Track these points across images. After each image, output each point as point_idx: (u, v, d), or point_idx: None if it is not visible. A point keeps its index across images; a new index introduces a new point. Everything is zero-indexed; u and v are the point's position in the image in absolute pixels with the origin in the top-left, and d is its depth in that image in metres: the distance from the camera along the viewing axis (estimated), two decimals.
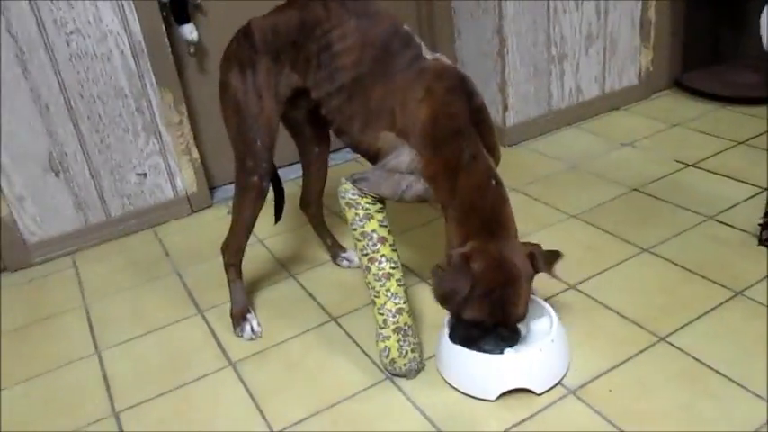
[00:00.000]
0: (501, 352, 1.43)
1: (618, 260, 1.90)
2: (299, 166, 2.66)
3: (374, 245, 1.47)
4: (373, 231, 1.47)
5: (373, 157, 1.50)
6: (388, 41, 1.45)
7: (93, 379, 1.69)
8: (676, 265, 1.85)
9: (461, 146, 1.39)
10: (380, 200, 1.48)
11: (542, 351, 1.44)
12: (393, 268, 1.48)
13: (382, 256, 1.47)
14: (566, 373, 1.50)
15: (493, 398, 1.44)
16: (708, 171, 2.37)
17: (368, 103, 1.45)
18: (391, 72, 1.43)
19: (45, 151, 2.22)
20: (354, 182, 1.47)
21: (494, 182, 1.41)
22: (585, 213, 2.18)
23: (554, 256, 1.42)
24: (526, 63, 2.69)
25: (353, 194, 1.47)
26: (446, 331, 1.50)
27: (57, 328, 1.92)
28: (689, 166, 2.42)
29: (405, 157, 1.41)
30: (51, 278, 2.21)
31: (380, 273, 1.47)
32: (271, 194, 1.96)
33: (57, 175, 2.26)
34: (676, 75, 3.17)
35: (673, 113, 2.91)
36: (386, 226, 1.49)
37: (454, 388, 1.49)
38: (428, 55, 1.46)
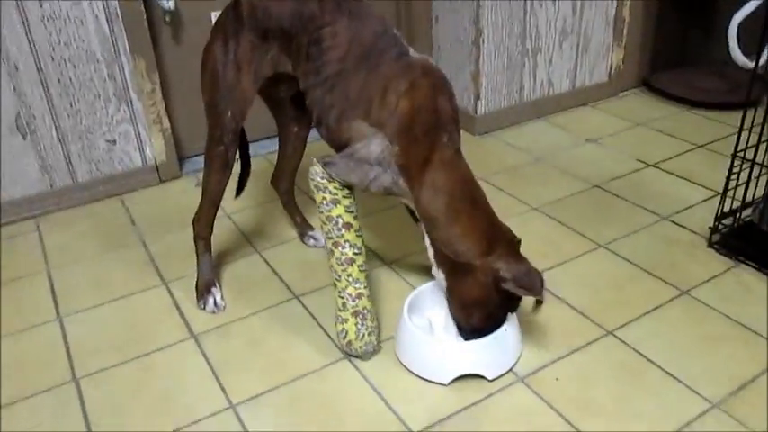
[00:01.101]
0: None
1: (574, 254, 1.98)
2: (271, 141, 2.69)
3: (339, 230, 1.51)
4: (339, 216, 1.50)
5: (343, 147, 1.52)
6: (375, 40, 1.47)
7: (54, 345, 1.71)
8: (629, 262, 1.93)
9: (441, 141, 1.43)
10: (349, 186, 1.51)
11: (496, 339, 1.50)
12: (356, 254, 1.52)
13: (346, 241, 1.51)
14: (517, 360, 1.56)
15: (446, 382, 1.50)
16: (667, 172, 2.45)
17: (347, 94, 1.47)
18: (375, 66, 1.45)
19: (12, 112, 2.19)
20: (324, 165, 1.50)
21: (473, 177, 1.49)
22: (547, 206, 2.24)
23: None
24: (501, 54, 2.73)
25: (322, 178, 1.49)
26: (405, 316, 1.55)
27: (18, 292, 1.93)
28: (649, 165, 2.50)
29: (375, 146, 1.44)
30: (14, 241, 2.20)
31: (343, 258, 1.51)
32: (237, 168, 1.98)
33: (23, 137, 2.24)
34: (645, 75, 3.25)
35: (638, 113, 2.99)
36: (352, 212, 1.53)
37: (411, 372, 1.54)
38: (415, 54, 1.49)
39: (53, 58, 2.19)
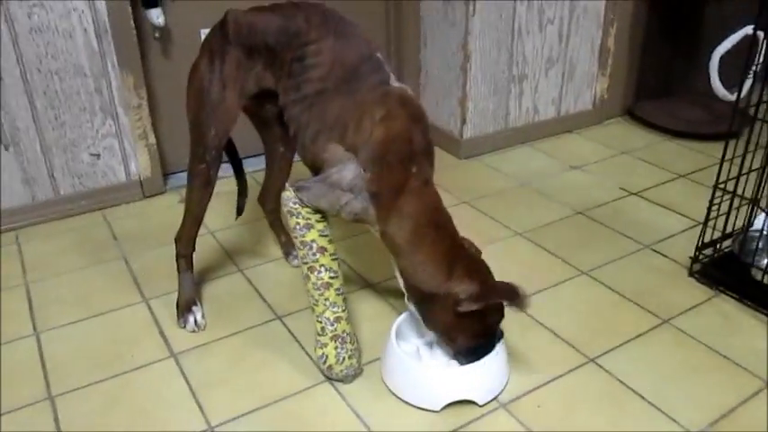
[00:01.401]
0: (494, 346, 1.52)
1: (557, 281, 1.98)
2: (257, 159, 2.68)
3: (314, 254, 1.50)
4: (313, 241, 1.49)
5: (317, 168, 1.52)
6: (358, 64, 1.48)
7: (30, 361, 1.68)
8: (611, 289, 1.94)
9: (412, 171, 1.44)
10: (318, 210, 1.50)
11: (487, 364, 1.49)
12: (332, 278, 1.52)
13: (321, 265, 1.50)
14: (505, 385, 1.56)
15: (438, 408, 1.48)
16: (649, 201, 2.48)
17: (325, 115, 1.47)
18: (354, 91, 1.46)
19: None
20: (297, 190, 1.48)
21: (443, 206, 1.49)
22: (531, 232, 2.26)
23: None
24: (487, 80, 2.76)
25: (294, 203, 1.48)
26: (393, 342, 1.54)
27: None
28: (632, 194, 2.53)
29: (348, 172, 1.43)
30: None
31: (319, 282, 1.51)
32: (233, 187, 1.98)
33: (6, 148, 2.21)
34: (629, 103, 3.30)
35: (622, 141, 3.03)
36: (326, 236, 1.51)
37: (397, 397, 1.53)
38: (395, 83, 1.50)
39: (40, 71, 2.17)
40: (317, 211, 1.49)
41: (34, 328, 1.80)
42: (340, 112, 1.46)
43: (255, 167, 2.64)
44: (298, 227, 1.49)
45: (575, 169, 2.75)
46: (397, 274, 1.51)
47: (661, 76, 3.33)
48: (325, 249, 1.51)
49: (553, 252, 2.13)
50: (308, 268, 1.51)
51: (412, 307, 1.51)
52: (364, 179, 1.42)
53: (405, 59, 2.89)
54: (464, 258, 1.46)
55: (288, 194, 1.49)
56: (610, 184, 2.60)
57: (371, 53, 1.51)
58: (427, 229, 1.44)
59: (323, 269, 1.50)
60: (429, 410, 1.49)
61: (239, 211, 2.01)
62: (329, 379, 1.59)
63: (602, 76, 3.11)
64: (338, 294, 1.53)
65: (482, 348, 1.50)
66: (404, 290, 1.51)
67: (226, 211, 2.01)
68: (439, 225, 1.47)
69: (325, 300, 1.52)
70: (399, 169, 1.43)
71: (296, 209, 1.48)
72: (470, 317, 1.42)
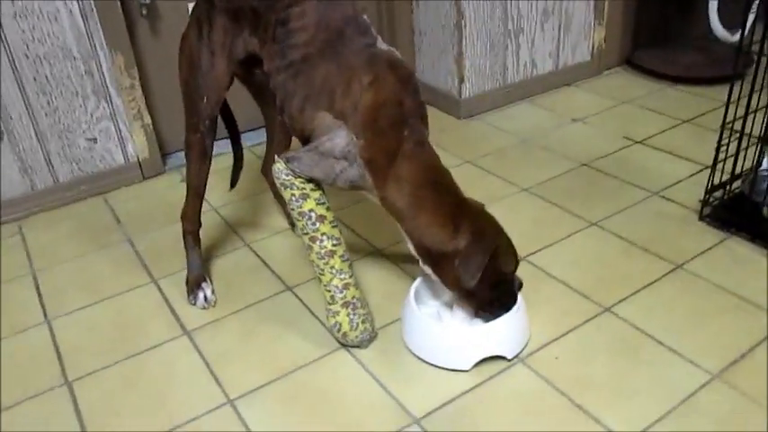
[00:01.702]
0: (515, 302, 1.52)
1: (566, 233, 1.97)
2: (256, 133, 2.65)
3: (313, 224, 1.47)
4: (311, 211, 1.47)
5: (306, 138, 1.48)
6: (343, 26, 1.43)
7: (44, 348, 1.67)
8: (621, 238, 1.93)
9: (404, 134, 1.41)
10: (312, 180, 1.47)
11: (513, 317, 1.49)
12: (335, 245, 1.49)
13: (323, 234, 1.48)
14: (529, 337, 1.55)
15: (468, 368, 1.48)
16: (654, 148, 2.45)
17: (311, 82, 1.44)
18: (340, 54, 1.42)
19: None
20: (288, 161, 1.45)
21: (438, 163, 1.47)
22: (536, 187, 2.23)
23: None
24: (483, 36, 2.71)
25: (287, 175, 1.45)
26: (414, 306, 1.53)
27: (4, 297, 1.88)
28: (636, 142, 2.50)
29: (339, 140, 1.40)
30: None
31: (323, 251, 1.48)
32: (229, 160, 1.95)
33: (0, 138, 2.18)
34: (627, 52, 3.25)
35: (623, 90, 2.99)
36: (324, 203, 1.49)
37: (420, 359, 1.52)
38: (382, 46, 1.46)
39: (27, 56, 2.13)
40: (310, 180, 1.46)
41: (45, 316, 1.79)
42: (326, 77, 1.42)
43: (255, 141, 2.62)
44: (293, 198, 1.47)
45: (576, 122, 2.72)
46: (406, 239, 1.49)
47: (658, 22, 3.27)
48: (324, 217, 1.48)
49: (560, 205, 2.11)
50: (310, 239, 1.49)
51: (427, 269, 1.49)
52: (357, 146, 1.40)
53: (397, 20, 2.84)
54: (469, 214, 1.44)
55: (279, 166, 1.46)
56: (613, 135, 2.57)
57: (356, 15, 1.46)
58: (426, 190, 1.42)
59: (324, 237, 1.48)
60: (458, 370, 1.48)
61: (233, 183, 1.98)
62: (345, 346, 1.58)
63: (599, 26, 3.05)
64: (343, 261, 1.51)
65: (503, 299, 1.49)
66: (414, 254, 1.49)
67: (227, 186, 1.99)
68: (438, 184, 1.45)
69: (331, 268, 1.50)
70: (391, 134, 1.40)
71: (289, 180, 1.45)
72: (484, 270, 1.41)
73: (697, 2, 3.03)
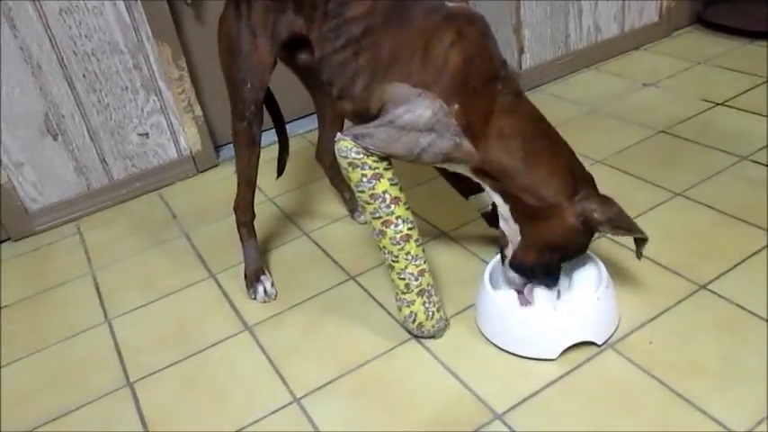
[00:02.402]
0: (556, 284, 1.42)
1: (649, 206, 1.80)
2: (307, 120, 2.57)
3: (388, 206, 1.33)
4: (385, 192, 1.33)
5: (372, 116, 1.35)
6: None
7: (105, 349, 1.62)
8: (711, 208, 1.75)
9: (499, 89, 1.29)
10: (387, 157, 1.34)
11: (600, 300, 1.35)
12: (410, 229, 1.36)
13: (398, 217, 1.34)
14: (619, 321, 1.42)
15: (555, 356, 1.35)
16: (737, 109, 2.24)
17: (377, 56, 1.31)
18: (409, 20, 1.30)
19: (41, 114, 2.11)
20: (357, 138, 1.30)
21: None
22: (611, 158, 2.07)
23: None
24: (542, 2, 2.54)
25: (358, 153, 1.30)
26: (491, 292, 1.41)
27: (64, 298, 1.85)
28: (717, 104, 2.30)
29: (422, 110, 1.26)
30: (56, 246, 2.13)
31: (398, 236, 1.35)
32: (274, 149, 1.86)
33: (54, 138, 2.16)
34: (698, 10, 3.01)
35: (696, 51, 2.77)
36: (396, 184, 1.35)
37: (500, 349, 1.40)
38: (451, 2, 1.33)
39: (75, 53, 2.10)
40: (384, 158, 1.33)
41: (105, 316, 1.74)
42: (396, 47, 1.29)
43: (307, 128, 2.53)
44: (365, 179, 1.32)
45: (648, 87, 2.52)
46: (500, 200, 1.36)
47: None
48: (399, 199, 1.35)
49: (640, 176, 1.94)
50: (383, 222, 1.35)
51: (514, 227, 1.36)
52: (450, 113, 1.26)
53: None
54: (588, 179, 1.33)
55: (346, 144, 1.30)
56: (690, 98, 2.37)
57: None
58: (540, 141, 1.31)
59: (400, 221, 1.35)
60: (542, 359, 1.36)
61: (280, 171, 1.89)
62: (415, 336, 1.47)
63: None
64: (418, 246, 1.39)
65: (556, 268, 1.39)
66: (507, 215, 1.37)
67: (283, 174, 1.90)
68: (551, 137, 1.33)
69: (406, 254, 1.37)
70: (486, 92, 1.28)
71: (360, 159, 1.30)
72: (581, 236, 1.32)
73: None
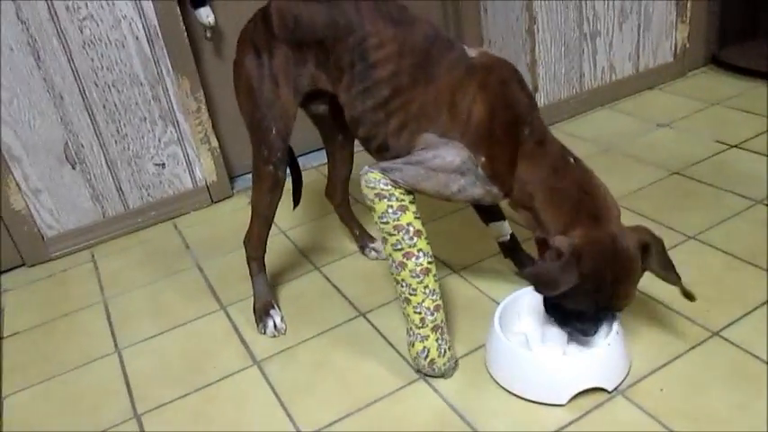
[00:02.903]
0: (595, 332, 1.36)
1: None
2: (320, 153, 2.58)
3: (411, 239, 1.35)
4: (409, 224, 1.35)
5: (399, 156, 1.40)
6: (428, 47, 1.35)
7: (114, 379, 1.63)
8: (725, 252, 1.74)
9: (522, 135, 1.32)
10: (415, 191, 1.38)
11: (610, 345, 1.34)
12: (430, 263, 1.38)
13: (419, 250, 1.36)
14: (630, 367, 1.40)
15: (564, 402, 1.33)
16: (752, 152, 2.24)
17: (408, 115, 1.36)
18: (434, 77, 1.34)
19: (60, 143, 2.15)
20: (385, 171, 1.35)
21: (572, 159, 1.35)
22: (624, 198, 2.06)
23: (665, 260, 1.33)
24: (557, 41, 2.57)
25: (386, 185, 1.34)
26: (500, 334, 1.39)
27: (76, 325, 1.86)
28: (731, 146, 2.29)
29: (453, 157, 1.31)
30: (70, 273, 2.15)
31: (418, 269, 1.36)
32: (288, 180, 1.88)
33: (73, 166, 2.20)
34: (713, 50, 3.03)
35: (711, 91, 2.77)
36: (419, 218, 1.38)
37: (509, 392, 1.39)
38: (472, 53, 1.36)
39: (97, 84, 2.14)
40: (409, 191, 1.37)
41: (116, 345, 1.75)
42: (424, 104, 1.34)
43: (322, 161, 2.55)
44: (390, 210, 1.35)
45: (662, 127, 2.52)
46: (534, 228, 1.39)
47: (746, 15, 3.04)
48: (421, 232, 1.37)
49: (652, 218, 1.94)
50: (404, 254, 1.36)
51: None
52: (478, 164, 1.31)
53: (464, 30, 2.72)
54: (588, 212, 1.29)
55: (375, 176, 1.34)
56: (704, 139, 2.37)
57: (436, 32, 1.38)
58: (548, 191, 1.33)
59: (421, 254, 1.36)
60: (551, 405, 1.34)
61: (296, 201, 1.90)
62: (424, 376, 1.47)
63: (682, 24, 2.85)
64: (436, 280, 1.40)
65: (572, 319, 1.36)
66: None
67: (292, 208, 1.92)
68: (557, 188, 1.33)
69: (425, 287, 1.38)
70: (509, 141, 1.31)
71: (388, 190, 1.34)
72: (568, 273, 1.25)
73: None
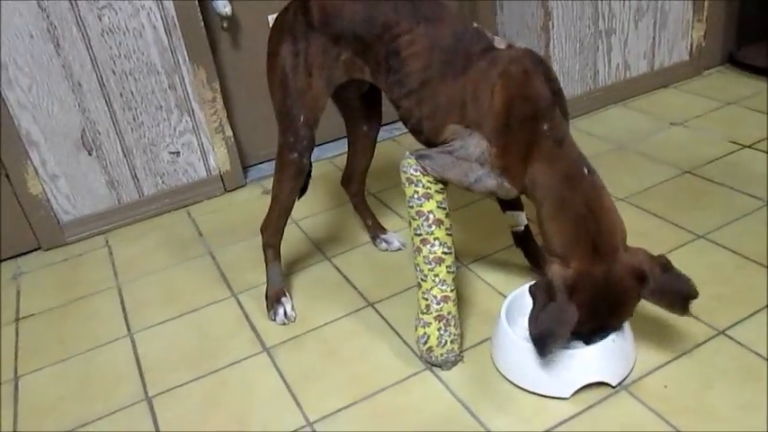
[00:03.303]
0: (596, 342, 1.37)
1: (671, 247, 1.80)
2: (335, 144, 2.61)
3: (429, 226, 1.40)
4: (430, 212, 1.40)
5: (435, 146, 1.44)
6: (455, 42, 1.38)
7: (126, 362, 1.66)
8: (734, 252, 1.74)
9: (540, 131, 1.30)
10: (443, 181, 1.42)
11: (615, 341, 1.35)
12: (445, 253, 1.41)
13: (436, 239, 1.40)
14: (635, 363, 1.41)
15: (568, 395, 1.35)
16: (765, 152, 2.23)
17: (437, 102, 1.39)
18: (461, 70, 1.36)
19: (78, 129, 2.18)
20: (419, 158, 1.41)
21: (586, 170, 1.31)
22: (635, 196, 2.07)
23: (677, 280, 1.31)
24: (572, 38, 2.57)
25: (416, 170, 1.41)
26: (507, 328, 1.41)
27: (90, 309, 1.90)
28: (745, 147, 2.29)
29: (473, 147, 1.34)
30: (84, 258, 2.19)
31: (431, 256, 1.41)
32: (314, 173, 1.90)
33: (89, 153, 2.23)
34: (730, 50, 3.01)
35: (726, 91, 2.76)
36: (444, 208, 1.43)
37: (514, 384, 1.40)
38: (501, 45, 1.38)
39: (114, 72, 2.17)
40: (438, 181, 1.41)
41: (128, 329, 1.79)
42: (451, 95, 1.38)
43: (335, 152, 2.57)
44: (416, 195, 1.41)
45: (676, 126, 2.52)
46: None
47: (763, 15, 3.01)
48: (442, 222, 1.42)
49: (663, 216, 1.94)
50: (421, 240, 1.41)
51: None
52: (492, 154, 1.33)
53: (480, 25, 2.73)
54: (586, 243, 1.27)
55: (409, 162, 1.42)
56: (718, 139, 2.36)
57: (465, 27, 1.41)
58: (556, 200, 1.31)
59: (437, 243, 1.40)
60: (556, 398, 1.36)
61: (303, 191, 1.92)
62: (430, 365, 1.49)
63: (698, 22, 2.84)
64: (449, 272, 1.43)
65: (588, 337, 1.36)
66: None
67: (308, 198, 1.94)
68: (566, 199, 1.30)
69: (435, 276, 1.41)
70: (524, 133, 1.31)
71: (417, 176, 1.41)
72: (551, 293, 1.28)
73: None
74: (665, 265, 1.31)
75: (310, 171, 1.89)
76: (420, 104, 1.42)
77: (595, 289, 1.26)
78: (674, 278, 1.31)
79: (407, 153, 1.44)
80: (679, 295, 1.30)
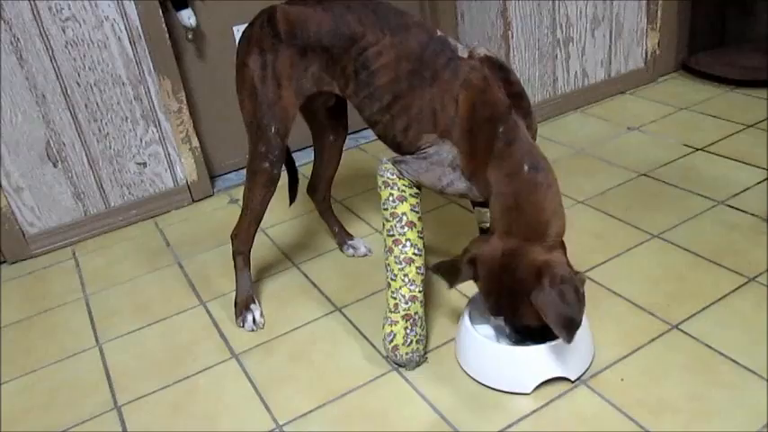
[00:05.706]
0: (513, 340, 1.43)
1: (627, 246, 1.87)
2: (303, 152, 2.64)
3: (402, 227, 1.46)
4: (404, 214, 1.46)
5: (413, 153, 1.49)
6: (422, 51, 1.42)
7: (95, 372, 1.66)
8: (687, 251, 1.82)
9: (496, 133, 1.35)
10: (418, 185, 1.48)
11: (577, 336, 1.40)
12: (416, 255, 1.47)
13: (408, 240, 1.46)
14: (594, 357, 1.47)
15: (529, 391, 1.40)
16: (717, 155, 2.32)
17: (409, 116, 1.44)
18: (427, 80, 1.41)
19: (42, 141, 2.18)
20: (396, 162, 1.47)
21: (526, 168, 1.34)
22: (593, 199, 2.14)
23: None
24: (531, 46, 2.64)
25: (392, 174, 1.47)
26: (468, 326, 1.47)
27: (57, 321, 1.90)
28: (698, 150, 2.38)
29: (445, 153, 1.41)
30: (51, 270, 2.18)
31: (402, 257, 1.46)
32: (284, 177, 1.93)
33: (54, 164, 2.22)
34: (683, 57, 3.13)
35: (680, 97, 2.87)
36: (417, 212, 1.49)
37: (477, 382, 1.45)
38: (464, 53, 1.42)
39: (79, 84, 2.17)
40: (414, 185, 1.48)
41: (96, 340, 1.79)
42: (421, 106, 1.42)
43: (301, 161, 2.60)
44: (391, 198, 1.47)
45: (632, 131, 2.61)
46: None
47: (714, 25, 3.14)
48: (414, 224, 1.48)
49: (620, 217, 2.01)
50: (393, 241, 1.47)
51: None
52: (461, 159, 1.39)
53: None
54: (509, 227, 1.34)
55: (386, 166, 1.48)
56: (672, 142, 2.46)
57: (431, 36, 1.44)
58: (497, 195, 1.36)
59: (408, 243, 1.46)
60: (519, 393, 1.40)
61: (292, 198, 1.96)
62: (397, 366, 1.52)
63: (652, 31, 2.95)
64: (418, 273, 1.47)
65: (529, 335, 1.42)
66: None
67: (275, 206, 1.96)
68: (519, 194, 1.34)
69: (405, 275, 1.46)
70: (485, 136, 1.36)
71: (393, 179, 1.47)
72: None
73: (756, 1, 2.90)
74: (569, 280, 1.27)
75: (297, 180, 1.93)
76: (394, 120, 1.46)
77: (491, 266, 1.33)
78: (562, 297, 1.26)
79: (384, 159, 1.49)
80: (561, 317, 1.26)
